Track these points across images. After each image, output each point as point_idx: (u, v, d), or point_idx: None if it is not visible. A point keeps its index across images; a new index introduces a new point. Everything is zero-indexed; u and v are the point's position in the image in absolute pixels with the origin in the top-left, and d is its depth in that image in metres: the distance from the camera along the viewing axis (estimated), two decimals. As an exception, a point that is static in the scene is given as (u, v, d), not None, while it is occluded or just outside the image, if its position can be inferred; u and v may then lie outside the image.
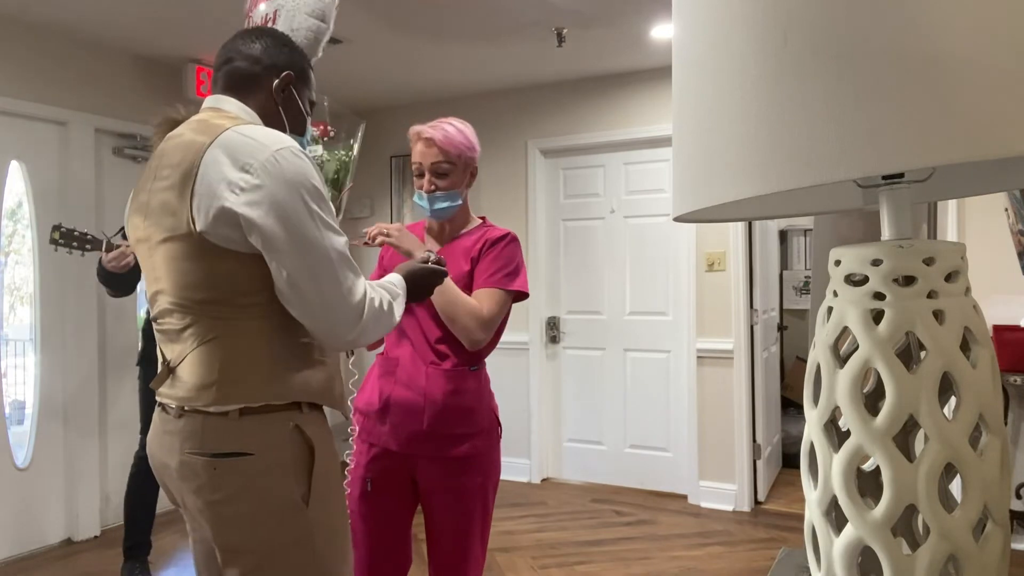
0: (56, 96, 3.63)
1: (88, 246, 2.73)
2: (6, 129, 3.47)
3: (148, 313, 2.97)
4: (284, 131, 1.36)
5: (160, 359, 1.31)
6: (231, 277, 1.20)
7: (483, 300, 1.77)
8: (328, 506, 1.26)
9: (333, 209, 1.25)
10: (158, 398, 1.29)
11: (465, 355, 1.79)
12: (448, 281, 1.73)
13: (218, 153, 1.18)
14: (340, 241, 1.23)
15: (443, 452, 1.75)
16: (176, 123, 1.33)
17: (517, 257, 1.84)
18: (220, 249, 1.18)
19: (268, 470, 1.20)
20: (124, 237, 2.79)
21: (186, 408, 1.22)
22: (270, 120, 1.35)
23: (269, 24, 2.43)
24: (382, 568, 1.83)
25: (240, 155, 1.17)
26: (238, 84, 1.34)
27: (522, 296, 1.85)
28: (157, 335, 1.32)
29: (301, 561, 1.22)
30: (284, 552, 1.21)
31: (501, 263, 1.81)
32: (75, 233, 2.70)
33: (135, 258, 2.73)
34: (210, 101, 1.35)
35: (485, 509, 1.82)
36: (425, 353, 1.78)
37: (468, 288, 1.81)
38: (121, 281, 2.91)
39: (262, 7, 2.44)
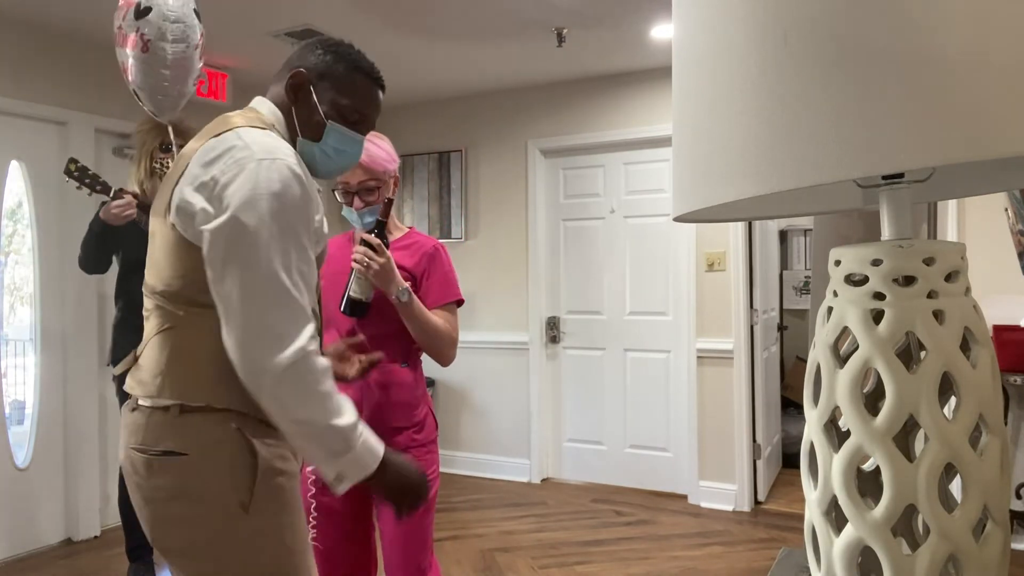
0: (56, 96, 3.63)
1: (98, 187, 2.78)
2: (6, 129, 3.47)
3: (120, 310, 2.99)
4: (295, 134, 1.31)
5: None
6: (192, 272, 1.17)
7: (449, 321, 1.88)
8: (277, 518, 1.19)
9: (306, 245, 1.17)
10: (127, 386, 1.27)
11: (398, 350, 1.86)
12: (420, 306, 1.80)
13: (208, 148, 1.18)
14: (295, 268, 1.15)
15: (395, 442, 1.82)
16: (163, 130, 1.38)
17: (451, 267, 1.96)
18: (187, 243, 1.17)
19: (202, 472, 1.15)
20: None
21: (139, 402, 1.21)
22: (286, 120, 1.32)
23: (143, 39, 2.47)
24: (344, 569, 1.87)
25: (223, 155, 1.16)
26: (272, 84, 1.35)
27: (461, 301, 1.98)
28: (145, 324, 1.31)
29: (243, 567, 1.16)
30: (223, 558, 1.16)
31: (446, 279, 1.91)
32: (89, 172, 2.75)
33: (137, 213, 2.78)
34: (254, 100, 1.35)
35: (432, 498, 1.88)
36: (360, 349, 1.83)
37: (406, 280, 1.87)
38: (103, 245, 2.90)
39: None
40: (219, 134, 1.19)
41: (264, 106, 1.31)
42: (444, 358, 1.87)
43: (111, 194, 2.77)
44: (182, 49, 2.50)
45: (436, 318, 1.84)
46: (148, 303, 1.24)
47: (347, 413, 1.17)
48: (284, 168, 1.16)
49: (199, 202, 1.14)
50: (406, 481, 1.27)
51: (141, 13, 2.46)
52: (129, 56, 2.50)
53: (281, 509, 1.20)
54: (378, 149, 1.87)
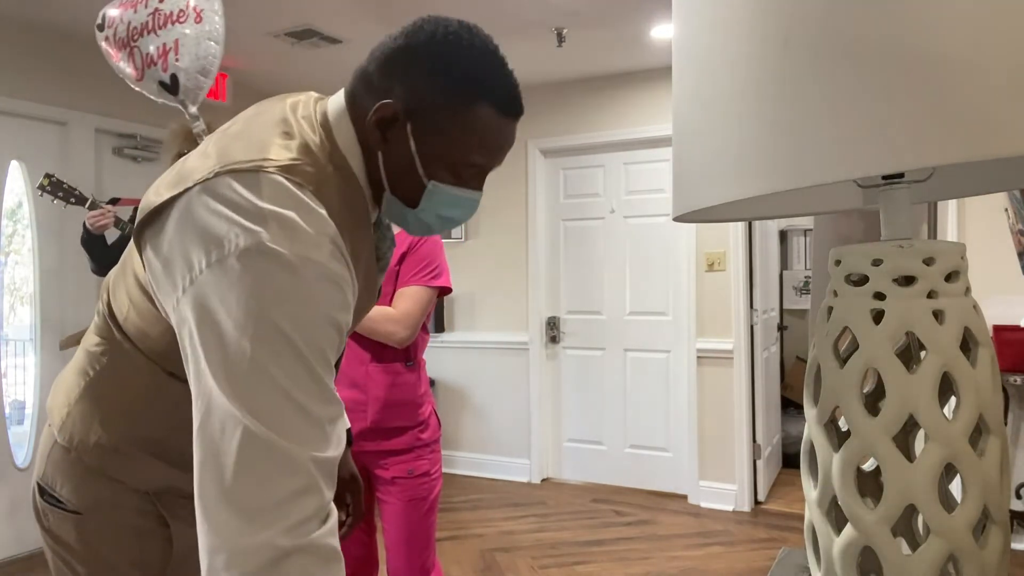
0: (56, 96, 3.63)
1: (72, 199, 2.79)
2: (6, 129, 3.47)
3: None
4: (379, 186, 0.91)
5: None
6: (152, 321, 0.86)
7: (399, 300, 1.82)
8: None
9: (311, 362, 0.75)
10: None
11: (400, 352, 1.86)
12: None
13: (205, 194, 0.79)
14: (279, 411, 0.72)
15: (387, 444, 1.83)
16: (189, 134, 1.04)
17: (438, 254, 1.90)
18: (149, 298, 0.86)
19: (102, 538, 0.91)
20: (112, 203, 2.86)
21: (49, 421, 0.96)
22: (368, 160, 0.89)
23: (171, 56, 2.39)
24: (346, 569, 1.88)
25: (215, 217, 0.77)
26: (355, 94, 0.89)
27: (445, 291, 1.91)
28: None
29: None
30: None
31: (424, 262, 1.86)
32: (63, 185, 2.77)
33: (113, 222, 2.79)
34: (333, 99, 0.91)
35: (435, 497, 1.89)
36: (362, 352, 1.84)
37: (391, 274, 1.87)
38: (101, 252, 2.93)
39: (151, 43, 2.45)
40: (234, 171, 0.79)
41: (342, 124, 0.88)
42: (391, 340, 1.78)
43: (88, 205, 2.81)
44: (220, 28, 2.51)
45: (374, 312, 1.79)
46: (100, 305, 0.96)
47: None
48: (310, 269, 0.76)
49: (169, 275, 0.79)
50: None
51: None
52: (181, 33, 2.48)
53: None
54: None
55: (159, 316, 0.85)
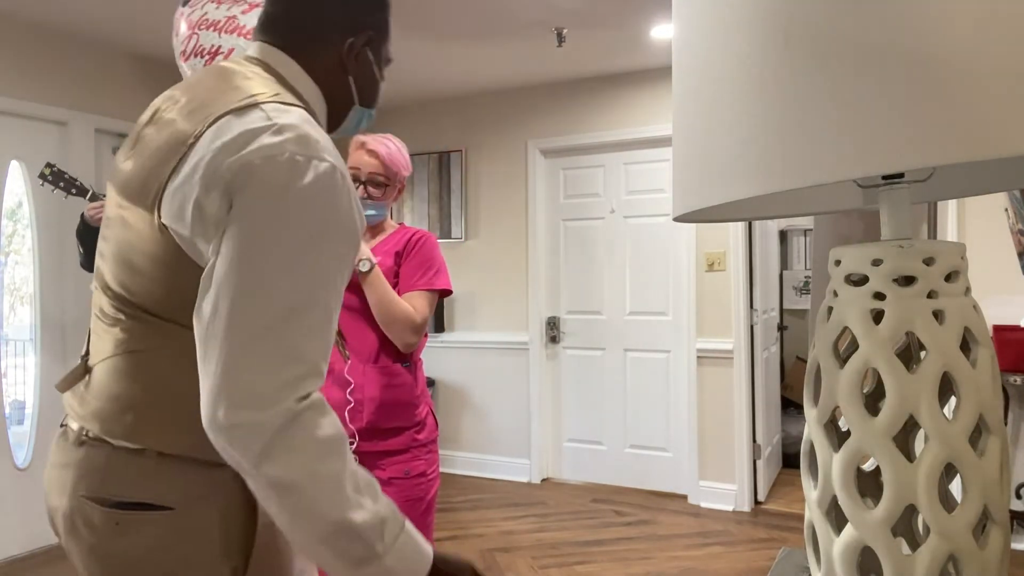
0: (56, 96, 3.63)
1: (74, 190, 2.77)
2: (6, 129, 3.47)
3: None
4: (349, 104, 1.07)
5: (83, 354, 0.99)
6: (182, 281, 0.88)
7: (415, 303, 1.83)
8: (268, 572, 0.94)
9: (332, 277, 0.86)
10: (66, 406, 0.98)
11: (398, 353, 1.86)
12: (382, 280, 1.78)
13: (226, 130, 0.85)
14: (321, 307, 0.84)
15: (384, 445, 1.82)
16: None
17: (437, 255, 1.91)
18: (179, 250, 0.87)
19: (190, 532, 0.88)
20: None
21: (89, 434, 0.91)
22: (336, 90, 1.04)
23: (217, 59, 2.39)
24: None
25: (255, 142, 0.84)
26: (299, 40, 1.00)
27: (446, 292, 1.92)
28: (92, 323, 1.00)
29: None
30: None
31: (425, 265, 1.87)
32: (65, 175, 2.76)
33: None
34: (257, 50, 1.00)
35: (433, 497, 1.89)
36: (361, 352, 1.84)
37: (393, 273, 1.87)
38: (85, 244, 2.93)
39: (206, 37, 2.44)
40: (233, 108, 0.88)
41: (287, 67, 0.99)
42: (401, 342, 1.78)
43: (88, 196, 2.80)
44: None
45: (398, 298, 1.80)
46: (106, 305, 0.94)
47: (368, 504, 0.82)
48: (336, 174, 0.87)
49: (211, 209, 0.83)
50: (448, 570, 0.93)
51: None
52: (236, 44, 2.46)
53: (273, 570, 0.96)
54: (397, 152, 1.91)
55: (183, 272, 0.88)
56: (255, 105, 0.88)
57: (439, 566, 0.90)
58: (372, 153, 1.90)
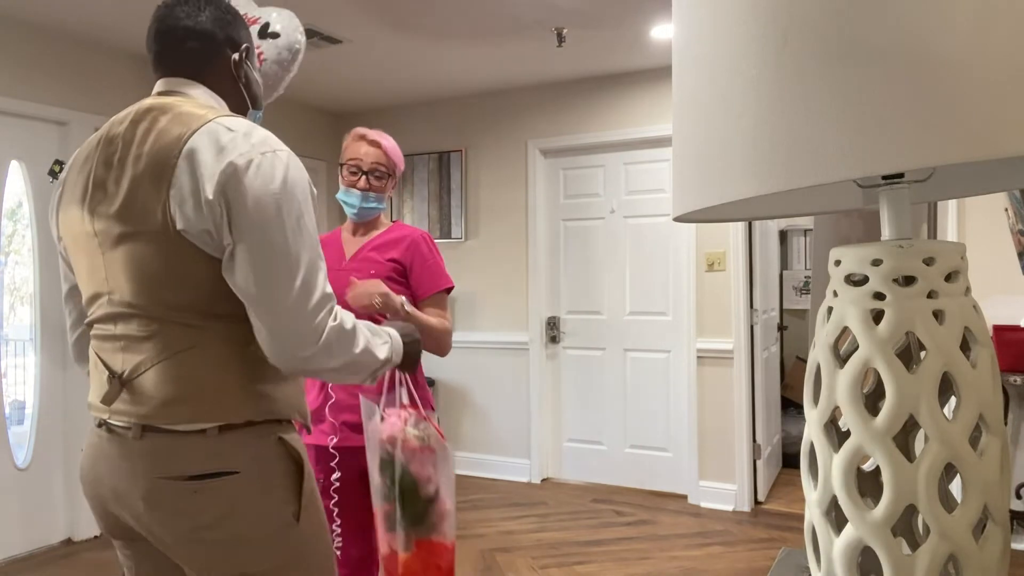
0: (56, 96, 3.63)
1: None
2: (6, 129, 3.47)
3: None
4: (246, 109, 1.30)
5: (104, 370, 1.15)
6: (207, 282, 1.09)
7: (440, 307, 1.88)
8: (317, 520, 1.18)
9: (315, 225, 1.16)
10: (100, 414, 1.15)
11: None
12: (418, 312, 1.81)
13: (202, 146, 1.07)
14: (314, 256, 1.12)
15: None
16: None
17: (438, 255, 1.95)
18: (197, 250, 1.07)
19: (257, 488, 1.09)
20: None
21: (149, 428, 1.09)
22: (232, 99, 1.26)
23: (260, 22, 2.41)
24: (345, 569, 1.89)
25: (228, 150, 1.07)
26: (196, 66, 1.21)
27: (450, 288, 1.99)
28: (98, 342, 1.17)
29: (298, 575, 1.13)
30: (282, 571, 1.11)
31: (434, 269, 1.91)
32: None
33: None
34: (165, 85, 1.21)
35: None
36: None
37: (396, 272, 1.87)
38: None
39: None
40: (196, 128, 1.09)
41: (195, 90, 1.21)
42: (443, 351, 1.87)
43: None
44: (281, 72, 2.48)
45: (431, 317, 1.84)
46: (140, 323, 1.11)
47: (381, 343, 1.24)
48: (287, 153, 1.13)
49: (217, 209, 1.05)
50: (415, 352, 1.39)
51: (266, 35, 2.43)
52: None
53: (317, 509, 1.18)
54: (396, 146, 1.93)
55: (209, 271, 1.09)
56: (211, 121, 1.10)
57: (407, 342, 1.34)
58: (374, 143, 1.91)
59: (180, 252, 1.07)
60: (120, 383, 1.11)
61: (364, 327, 1.20)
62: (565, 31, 3.67)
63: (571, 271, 4.70)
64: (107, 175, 1.13)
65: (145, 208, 1.07)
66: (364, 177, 1.87)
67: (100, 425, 1.16)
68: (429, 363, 4.89)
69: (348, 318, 1.16)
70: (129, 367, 1.11)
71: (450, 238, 4.95)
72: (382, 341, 1.24)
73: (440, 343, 1.85)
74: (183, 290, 1.09)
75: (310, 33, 3.66)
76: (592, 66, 4.31)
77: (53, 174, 2.77)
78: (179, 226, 1.06)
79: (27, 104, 3.50)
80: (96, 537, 3.71)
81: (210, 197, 1.05)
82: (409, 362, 1.35)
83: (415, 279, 1.88)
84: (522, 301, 4.74)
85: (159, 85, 1.22)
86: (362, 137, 1.92)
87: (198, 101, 1.18)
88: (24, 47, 3.51)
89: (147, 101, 1.17)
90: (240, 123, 1.12)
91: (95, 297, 1.16)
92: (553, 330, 4.72)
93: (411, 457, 1.45)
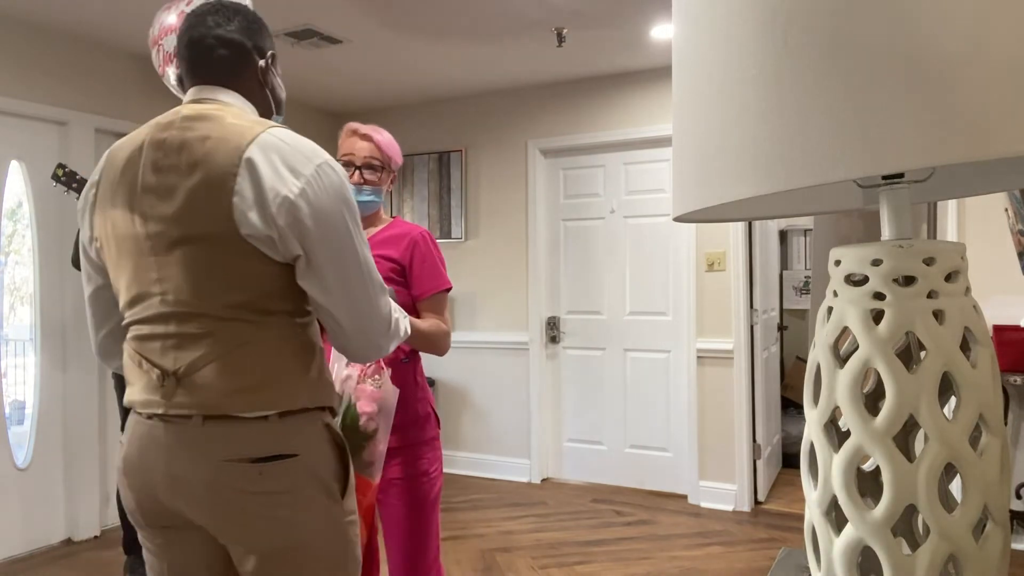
0: (56, 96, 3.63)
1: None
2: (6, 129, 3.47)
3: None
4: (271, 113, 1.37)
5: (152, 368, 1.20)
6: (263, 282, 1.17)
7: (438, 307, 1.88)
8: (351, 501, 1.30)
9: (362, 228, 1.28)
10: (150, 409, 1.20)
11: (403, 349, 1.85)
12: (417, 328, 1.80)
13: (262, 157, 1.15)
14: (368, 251, 1.25)
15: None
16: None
17: (438, 254, 1.94)
18: (257, 252, 1.15)
19: (312, 467, 1.20)
20: None
21: (211, 416, 1.16)
22: (260, 104, 1.33)
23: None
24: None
25: (289, 161, 1.16)
26: (227, 73, 1.28)
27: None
28: (141, 343, 1.21)
29: (338, 550, 1.24)
30: (326, 545, 1.22)
31: (433, 269, 1.90)
32: (77, 176, 2.80)
33: None
34: (199, 92, 1.27)
35: (436, 496, 1.88)
36: None
37: (394, 272, 1.87)
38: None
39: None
40: (252, 139, 1.17)
41: (229, 96, 1.27)
42: (440, 351, 1.86)
43: None
44: None
45: (427, 323, 1.82)
46: (199, 322, 1.17)
47: (404, 318, 1.37)
48: (335, 164, 1.22)
49: (284, 219, 1.14)
50: None
51: None
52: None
53: (352, 492, 1.30)
54: (391, 139, 1.92)
55: (272, 272, 1.18)
56: (264, 132, 1.17)
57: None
58: (366, 137, 1.91)
59: (240, 255, 1.15)
60: (176, 379, 1.17)
61: (402, 314, 1.37)
62: (565, 31, 3.67)
63: (571, 271, 4.70)
64: (159, 180, 1.18)
65: (206, 214, 1.14)
66: (358, 171, 1.87)
67: (150, 417, 1.21)
68: (429, 363, 4.89)
69: (396, 308, 1.33)
70: (185, 363, 1.17)
71: (450, 238, 4.95)
72: (400, 312, 1.37)
73: (435, 345, 1.84)
74: (241, 290, 1.16)
75: (310, 33, 3.66)
76: (592, 66, 4.31)
77: (56, 178, 2.77)
78: (243, 231, 1.13)
79: (27, 104, 3.50)
80: (96, 537, 3.71)
81: (274, 211, 1.13)
82: None
83: (414, 279, 1.87)
84: (522, 301, 4.74)
85: (194, 92, 1.27)
86: (354, 132, 1.92)
87: (235, 108, 1.25)
88: (24, 47, 3.51)
89: (190, 108, 1.23)
90: (288, 134, 1.20)
91: (141, 297, 1.21)
92: (553, 330, 4.72)
93: (360, 394, 1.56)
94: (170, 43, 2.48)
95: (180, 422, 1.17)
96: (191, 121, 1.20)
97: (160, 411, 1.18)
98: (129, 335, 1.25)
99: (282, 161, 1.15)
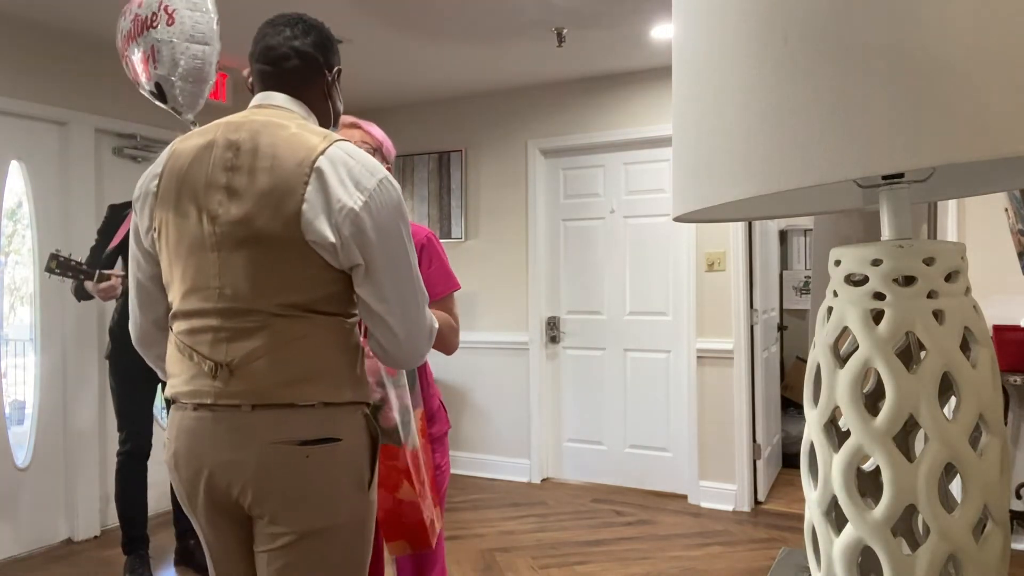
0: (56, 96, 3.63)
1: (82, 276, 2.89)
2: (6, 129, 3.47)
3: (115, 315, 3.09)
4: (330, 125, 1.44)
5: (202, 360, 1.26)
6: (320, 285, 1.24)
7: (450, 311, 1.91)
8: (375, 491, 1.36)
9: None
10: (199, 399, 1.26)
11: None
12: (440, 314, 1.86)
13: (331, 168, 1.22)
14: (417, 261, 1.32)
15: None
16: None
17: (445, 256, 1.97)
18: (318, 257, 1.22)
19: (352, 454, 1.28)
20: (104, 280, 2.86)
21: (261, 404, 1.24)
22: (321, 116, 1.41)
23: (150, 63, 2.41)
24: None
25: (355, 175, 1.23)
26: (298, 83, 1.36)
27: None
28: (190, 335, 1.27)
29: (355, 538, 1.31)
30: (347, 529, 1.29)
31: (443, 270, 1.93)
32: (71, 263, 2.84)
33: (122, 289, 2.89)
34: (269, 99, 1.35)
35: (443, 492, 1.91)
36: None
37: None
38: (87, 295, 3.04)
39: (136, 51, 2.38)
40: (323, 150, 1.24)
41: (297, 106, 1.35)
42: (449, 349, 1.89)
43: (96, 278, 2.87)
44: (198, 66, 2.48)
45: (440, 320, 1.84)
46: (255, 317, 1.24)
47: (436, 327, 1.42)
48: (393, 180, 1.29)
49: (347, 230, 1.22)
50: None
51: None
52: (155, 39, 2.42)
53: (375, 484, 1.36)
54: (378, 129, 1.95)
55: (328, 275, 1.25)
56: (333, 145, 1.25)
57: None
58: (354, 126, 1.95)
59: (302, 258, 1.22)
60: (229, 371, 1.23)
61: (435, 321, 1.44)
62: (565, 31, 3.67)
63: (571, 271, 4.70)
64: (229, 180, 1.24)
65: (274, 217, 1.20)
66: None
67: (196, 408, 1.27)
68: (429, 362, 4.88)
69: (432, 317, 1.39)
70: (239, 355, 1.23)
71: (450, 238, 4.95)
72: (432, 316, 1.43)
73: (447, 342, 1.87)
74: (298, 292, 1.23)
75: (310, 33, 3.66)
76: (592, 66, 4.31)
77: (50, 270, 2.82)
78: (308, 238, 1.20)
79: (27, 104, 3.50)
80: (96, 537, 3.71)
81: (339, 220, 1.21)
82: None
83: (426, 281, 1.88)
84: (522, 301, 4.74)
85: (262, 97, 1.35)
86: (350, 124, 1.94)
87: (300, 118, 1.32)
88: (24, 47, 3.51)
89: (261, 112, 1.31)
90: (353, 149, 1.27)
91: (195, 291, 1.26)
92: (553, 330, 4.72)
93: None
94: (135, 52, 2.44)
95: (229, 411, 1.24)
96: (263, 126, 1.26)
97: (209, 401, 1.24)
98: (178, 327, 1.30)
99: (348, 174, 1.23)
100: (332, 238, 1.21)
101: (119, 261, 3.09)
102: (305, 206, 1.20)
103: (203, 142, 1.28)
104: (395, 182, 1.29)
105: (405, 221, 1.29)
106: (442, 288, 1.89)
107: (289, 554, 1.25)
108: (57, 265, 2.80)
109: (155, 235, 1.31)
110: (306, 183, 1.20)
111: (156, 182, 1.31)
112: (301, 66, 1.35)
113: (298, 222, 1.20)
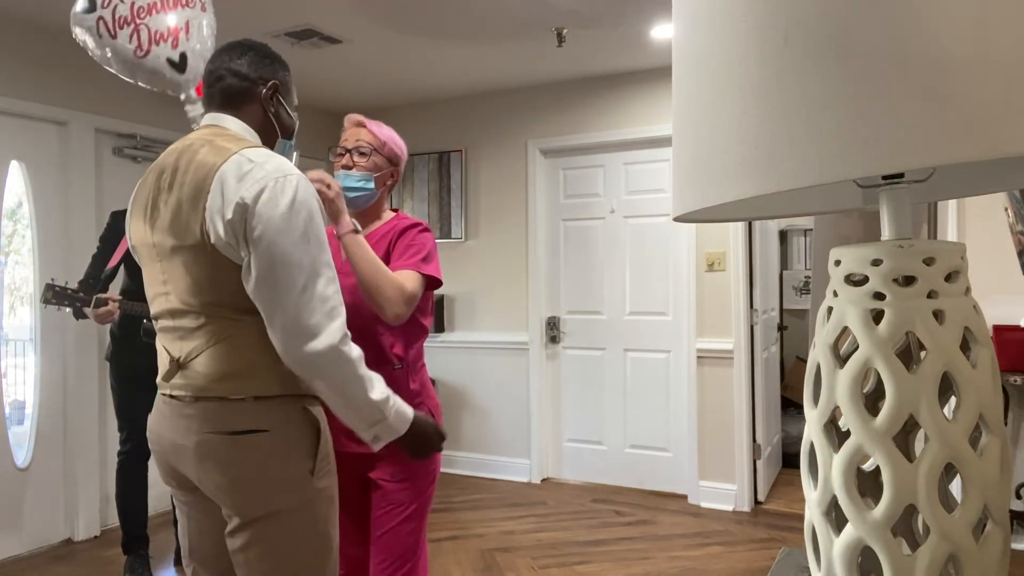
0: (56, 96, 3.63)
1: (79, 303, 2.90)
2: (6, 129, 3.47)
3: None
4: (276, 138, 1.52)
5: (166, 355, 1.41)
6: (238, 285, 1.33)
7: (404, 278, 1.73)
8: (328, 479, 1.42)
9: (323, 239, 1.36)
10: (166, 390, 1.41)
11: (389, 355, 1.80)
12: (368, 249, 1.70)
13: (227, 174, 1.31)
14: (318, 265, 1.33)
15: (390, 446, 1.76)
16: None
17: (429, 244, 1.82)
18: (227, 260, 1.32)
19: (282, 445, 1.35)
20: (101, 304, 2.88)
21: (201, 396, 1.35)
22: (265, 129, 1.49)
23: (183, 33, 2.55)
24: (344, 568, 1.89)
25: (254, 174, 1.30)
26: (233, 100, 1.47)
27: (436, 283, 1.82)
28: (162, 333, 1.43)
29: (304, 524, 1.37)
30: (291, 516, 1.35)
31: (415, 248, 1.79)
32: (67, 291, 2.86)
33: (119, 314, 2.92)
34: (209, 119, 1.47)
35: (428, 497, 1.84)
36: (367, 354, 1.79)
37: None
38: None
39: (170, 17, 2.51)
40: (225, 159, 1.33)
41: (230, 123, 1.45)
42: (391, 312, 1.69)
43: (92, 304, 2.88)
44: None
45: (386, 267, 1.72)
46: (192, 318, 1.37)
47: (379, 389, 1.41)
48: (299, 178, 1.34)
49: (237, 226, 1.29)
50: (425, 439, 1.54)
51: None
52: (192, 15, 2.51)
53: (329, 473, 1.43)
54: (391, 131, 1.91)
55: (227, 268, 1.32)
56: (237, 152, 1.34)
57: (418, 422, 1.50)
58: (359, 124, 1.89)
59: (215, 262, 1.32)
60: (178, 365, 1.38)
61: (372, 373, 1.41)
62: (565, 31, 3.67)
63: (571, 271, 4.70)
64: (160, 196, 1.38)
65: (187, 226, 1.32)
66: (348, 155, 1.84)
67: (163, 396, 1.42)
68: (429, 363, 4.89)
69: (356, 349, 1.37)
70: (185, 352, 1.37)
71: (450, 238, 4.95)
72: (382, 392, 1.42)
73: (381, 289, 1.67)
74: (220, 292, 1.34)
75: (310, 33, 3.66)
76: (592, 66, 4.31)
77: (47, 301, 2.85)
78: (212, 240, 1.30)
79: (27, 104, 3.50)
80: (96, 537, 3.71)
81: (229, 216, 1.29)
82: (413, 443, 1.51)
83: (392, 254, 1.80)
84: (522, 301, 4.74)
85: (206, 119, 1.48)
86: (351, 123, 1.92)
87: (232, 133, 1.42)
88: (24, 47, 3.51)
89: (197, 133, 1.43)
90: (260, 153, 1.35)
91: (156, 296, 1.42)
92: (553, 330, 4.72)
93: None
94: (168, 18, 2.51)
95: (177, 401, 1.38)
96: (189, 147, 1.39)
97: (167, 392, 1.40)
98: (157, 326, 1.46)
99: (247, 174, 1.31)
100: (227, 237, 1.29)
101: (120, 272, 3.09)
102: (207, 213, 1.30)
103: (155, 167, 1.43)
104: (304, 183, 1.34)
105: (296, 216, 1.30)
106: (402, 262, 1.76)
107: (240, 537, 1.35)
108: (54, 295, 2.83)
109: (134, 250, 1.48)
110: (208, 190, 1.31)
111: (130, 205, 1.48)
112: (234, 83, 1.46)
113: (204, 228, 1.31)
